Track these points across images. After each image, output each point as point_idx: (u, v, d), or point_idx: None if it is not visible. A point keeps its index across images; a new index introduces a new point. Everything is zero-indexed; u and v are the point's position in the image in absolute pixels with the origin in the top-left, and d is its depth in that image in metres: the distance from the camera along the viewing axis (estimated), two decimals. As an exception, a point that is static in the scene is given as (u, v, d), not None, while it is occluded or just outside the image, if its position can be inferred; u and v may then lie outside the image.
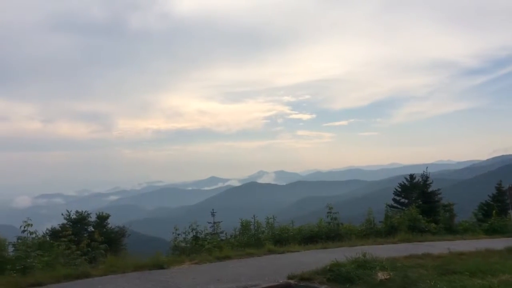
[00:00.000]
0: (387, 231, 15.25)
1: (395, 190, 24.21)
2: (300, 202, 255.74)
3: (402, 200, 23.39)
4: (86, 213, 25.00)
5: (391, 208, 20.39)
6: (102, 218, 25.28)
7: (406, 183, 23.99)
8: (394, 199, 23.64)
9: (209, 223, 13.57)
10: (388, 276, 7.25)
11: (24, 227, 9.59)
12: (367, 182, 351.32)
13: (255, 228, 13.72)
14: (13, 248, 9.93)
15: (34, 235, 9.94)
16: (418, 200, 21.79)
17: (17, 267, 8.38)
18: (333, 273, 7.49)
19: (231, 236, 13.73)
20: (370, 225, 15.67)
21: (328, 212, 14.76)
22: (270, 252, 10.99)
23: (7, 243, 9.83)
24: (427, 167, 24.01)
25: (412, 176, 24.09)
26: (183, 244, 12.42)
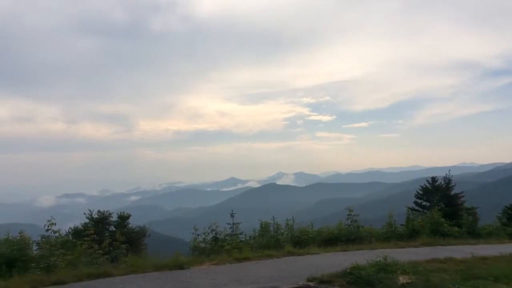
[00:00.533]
0: (409, 235, 15.03)
1: (416, 193, 23.86)
2: (319, 204, 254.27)
3: (424, 203, 23.03)
4: (107, 213, 25.42)
5: (413, 211, 20.09)
6: (123, 218, 25.65)
7: (428, 185, 23.61)
8: (415, 202, 23.30)
9: (228, 224, 13.59)
10: (410, 280, 7.15)
11: (48, 226, 9.78)
12: (388, 184, 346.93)
13: (275, 229, 13.69)
14: (37, 247, 10.15)
15: (57, 234, 10.13)
16: (440, 203, 21.40)
17: (41, 265, 8.56)
18: (353, 276, 7.42)
19: (250, 237, 13.73)
20: (391, 228, 15.47)
21: (348, 215, 14.63)
22: (290, 254, 10.96)
23: (31, 241, 10.06)
24: (449, 170, 23.59)
25: (434, 179, 23.70)
26: (202, 245, 12.48)
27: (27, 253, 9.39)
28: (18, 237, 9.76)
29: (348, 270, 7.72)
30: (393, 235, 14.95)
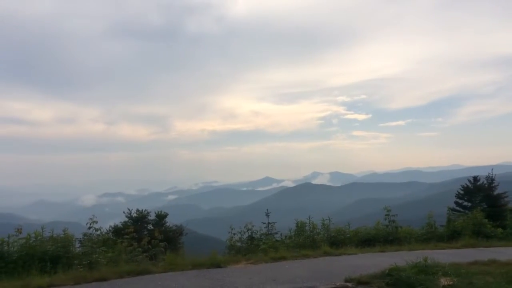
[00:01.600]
0: (449, 236, 14.59)
1: (457, 193, 23.17)
2: (355, 204, 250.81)
3: (465, 203, 22.36)
4: (146, 212, 26.01)
5: (454, 212, 19.50)
6: (161, 217, 26.18)
7: (470, 185, 22.89)
8: (456, 202, 22.65)
9: (263, 223, 13.62)
10: (452, 282, 6.95)
11: (90, 224, 10.10)
12: (427, 184, 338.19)
13: (310, 229, 13.60)
14: (80, 244, 10.51)
15: (98, 232, 10.45)
16: (482, 204, 20.71)
17: (84, 262, 8.85)
18: (392, 277, 7.27)
19: (286, 237, 13.70)
20: (431, 229, 15.05)
21: (386, 215, 14.35)
22: (326, 254, 10.86)
23: (74, 239, 10.44)
24: (492, 169, 22.77)
25: (476, 178, 22.95)
26: (238, 244, 12.56)
27: (71, 250, 9.74)
28: (62, 235, 10.15)
29: (387, 271, 7.56)
30: (433, 236, 14.55)
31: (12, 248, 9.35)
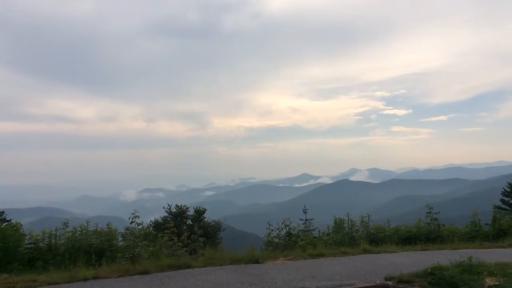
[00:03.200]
0: (495, 235, 14.05)
1: (503, 190, 22.31)
2: (395, 201, 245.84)
3: (512, 201, 21.45)
4: (185, 207, 26.50)
5: (499, 210, 18.76)
6: (200, 212, 26.60)
7: (517, 182, 21.95)
8: (502, 200, 21.81)
9: (301, 220, 13.57)
10: (498, 283, 6.70)
11: (132, 219, 10.40)
12: (470, 181, 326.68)
13: (349, 226, 13.44)
14: (122, 238, 10.85)
15: (140, 227, 10.74)
16: (531, 202, 19.80)
17: (127, 256, 9.13)
18: (434, 276, 7.08)
19: (324, 233, 13.61)
20: (476, 228, 14.53)
21: (427, 212, 13.97)
22: (366, 251, 10.71)
23: (117, 233, 10.81)
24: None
25: (524, 175, 21.96)
26: (276, 240, 12.58)
27: (114, 244, 10.10)
28: (105, 229, 10.54)
29: (429, 270, 7.37)
30: (477, 235, 14.04)
31: (59, 241, 9.82)
